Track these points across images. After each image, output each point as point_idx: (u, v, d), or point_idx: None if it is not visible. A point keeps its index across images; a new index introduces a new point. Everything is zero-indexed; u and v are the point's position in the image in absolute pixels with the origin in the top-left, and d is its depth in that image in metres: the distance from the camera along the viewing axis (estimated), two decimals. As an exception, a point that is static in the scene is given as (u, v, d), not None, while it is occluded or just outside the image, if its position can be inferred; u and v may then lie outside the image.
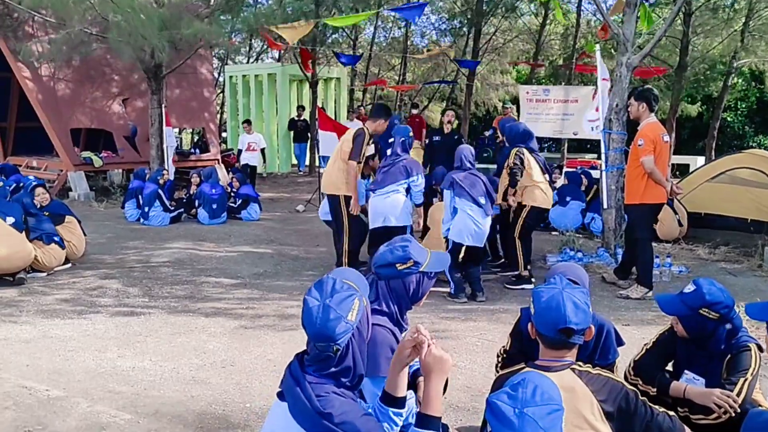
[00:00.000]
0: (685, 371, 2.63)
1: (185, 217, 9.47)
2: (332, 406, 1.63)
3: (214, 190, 9.25)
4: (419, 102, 18.96)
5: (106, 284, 5.91)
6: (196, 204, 9.33)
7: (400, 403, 1.90)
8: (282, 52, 15.32)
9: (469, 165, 5.39)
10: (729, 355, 2.50)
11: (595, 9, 11.05)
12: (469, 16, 16.87)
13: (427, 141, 8.48)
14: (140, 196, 9.28)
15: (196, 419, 3.27)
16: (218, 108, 20.21)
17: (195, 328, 4.67)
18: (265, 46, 21.57)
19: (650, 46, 6.86)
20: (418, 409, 1.86)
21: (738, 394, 2.34)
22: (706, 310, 2.47)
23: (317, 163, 13.26)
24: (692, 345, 2.60)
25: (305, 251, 7.30)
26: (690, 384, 2.54)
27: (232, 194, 9.78)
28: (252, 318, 4.95)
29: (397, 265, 2.25)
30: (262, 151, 12.33)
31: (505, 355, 2.73)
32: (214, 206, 9.16)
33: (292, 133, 15.68)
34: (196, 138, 18.66)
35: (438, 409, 1.76)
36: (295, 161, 16.52)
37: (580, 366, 2.00)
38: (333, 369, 1.69)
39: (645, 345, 2.78)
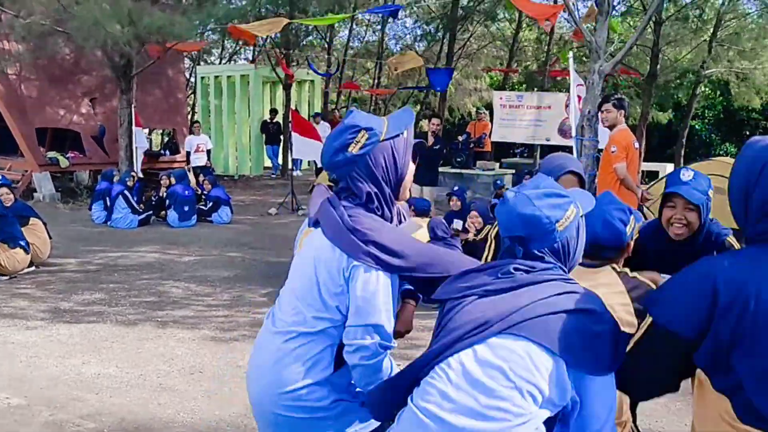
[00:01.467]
0: (662, 275, 2.46)
1: (154, 220, 9.29)
2: (360, 223, 1.69)
3: (187, 192, 9.12)
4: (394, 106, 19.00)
5: (70, 288, 5.75)
6: (167, 205, 9.16)
7: None
8: (257, 51, 15.17)
9: (443, 235, 5.44)
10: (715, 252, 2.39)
11: (569, 16, 11.24)
12: (444, 22, 16.97)
13: None
14: (107, 198, 9.08)
15: (163, 427, 3.18)
16: (189, 109, 19.94)
17: (162, 334, 4.57)
18: (237, 47, 21.37)
19: (622, 54, 6.97)
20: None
21: None
22: (711, 190, 2.43)
23: (290, 166, 13.15)
24: (668, 246, 2.46)
25: (277, 255, 7.21)
26: None
27: (203, 196, 9.64)
28: (221, 323, 4.85)
29: None
30: (208, 152, 12.23)
31: None
32: (186, 208, 9.01)
33: (264, 135, 15.54)
34: (166, 139, 18.36)
35: None
36: (268, 163, 16.38)
37: (618, 267, 2.06)
38: (358, 200, 1.76)
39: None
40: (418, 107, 21.82)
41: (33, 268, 6.29)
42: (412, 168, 1.83)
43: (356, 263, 1.66)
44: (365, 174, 1.73)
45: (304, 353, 1.70)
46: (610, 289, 1.94)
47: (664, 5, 12.82)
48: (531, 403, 1.42)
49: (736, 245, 2.45)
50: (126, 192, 8.92)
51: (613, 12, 7.18)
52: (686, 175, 2.46)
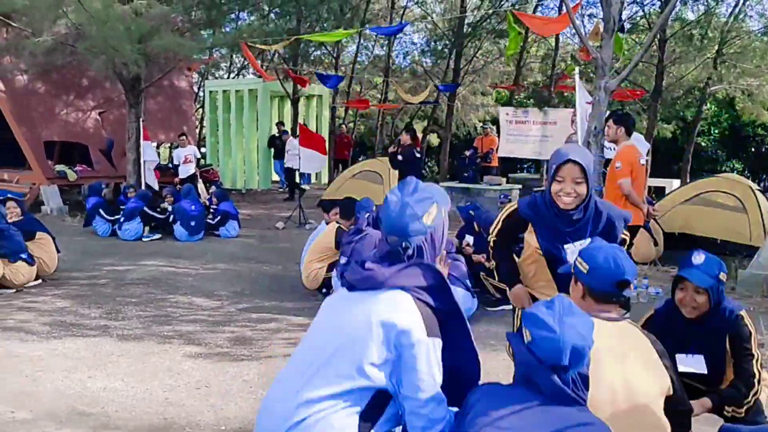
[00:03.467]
0: (677, 354, 2.55)
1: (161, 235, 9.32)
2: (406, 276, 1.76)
3: (193, 207, 9.13)
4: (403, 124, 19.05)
5: (76, 302, 5.75)
6: (172, 220, 9.18)
7: None
8: (264, 66, 15.32)
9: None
10: (727, 332, 2.48)
11: (574, 32, 11.30)
12: (450, 39, 17.08)
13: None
14: (101, 210, 9.23)
15: (168, 443, 3.16)
16: (197, 123, 20.06)
17: (169, 348, 4.56)
18: (245, 62, 21.54)
19: (627, 71, 6.97)
20: None
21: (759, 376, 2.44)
22: (723, 273, 2.49)
23: (297, 180, 13.21)
24: (683, 324, 2.56)
25: (284, 269, 7.21)
26: (688, 364, 2.52)
27: (211, 210, 9.66)
28: (228, 338, 4.84)
29: None
30: (198, 161, 12.48)
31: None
32: (193, 223, 9.01)
33: (272, 150, 15.61)
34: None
35: None
36: (276, 177, 16.43)
37: (634, 324, 2.16)
38: (412, 260, 1.81)
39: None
40: (426, 122, 21.88)
41: (39, 281, 6.31)
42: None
43: (414, 339, 1.69)
44: (430, 244, 1.83)
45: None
46: (638, 338, 2.04)
47: (669, 23, 12.86)
48: None
49: (749, 320, 2.52)
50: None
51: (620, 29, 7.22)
52: (697, 258, 2.55)
